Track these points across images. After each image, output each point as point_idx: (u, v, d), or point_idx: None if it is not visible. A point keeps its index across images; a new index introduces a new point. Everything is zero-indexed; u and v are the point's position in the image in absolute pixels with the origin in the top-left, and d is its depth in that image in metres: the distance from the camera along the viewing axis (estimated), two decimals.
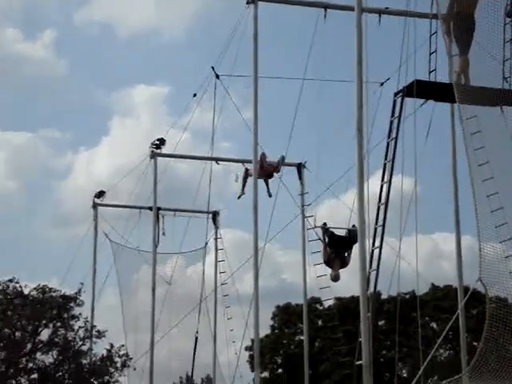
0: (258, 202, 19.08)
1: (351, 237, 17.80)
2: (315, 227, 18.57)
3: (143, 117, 70.46)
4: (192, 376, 28.32)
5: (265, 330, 42.28)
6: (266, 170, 20.76)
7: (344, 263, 18.47)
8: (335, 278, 18.68)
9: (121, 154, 61.35)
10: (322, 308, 40.24)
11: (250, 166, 20.66)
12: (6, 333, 22.39)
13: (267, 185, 21.41)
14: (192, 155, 28.57)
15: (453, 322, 15.61)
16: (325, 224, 18.65)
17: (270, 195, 21.49)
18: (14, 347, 22.11)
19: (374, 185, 14.84)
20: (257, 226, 19.08)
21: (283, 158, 21.47)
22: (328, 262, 18.66)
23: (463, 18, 14.30)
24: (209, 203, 25.76)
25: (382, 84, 19.50)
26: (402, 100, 14.82)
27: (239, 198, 21.96)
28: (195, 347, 26.46)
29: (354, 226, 17.40)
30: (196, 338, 26.29)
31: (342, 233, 18.69)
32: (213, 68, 21.84)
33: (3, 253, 57.34)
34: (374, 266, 14.33)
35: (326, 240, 18.42)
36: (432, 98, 15.45)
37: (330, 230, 18.57)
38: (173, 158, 27.77)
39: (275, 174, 21.39)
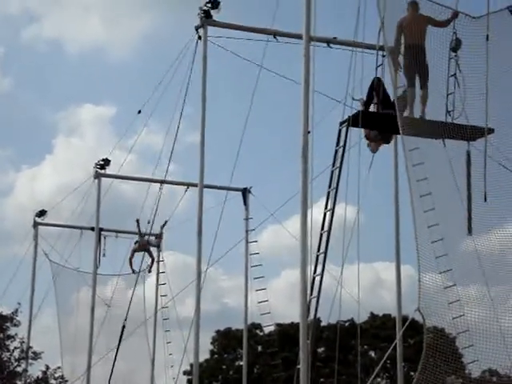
0: (202, 225, 19.06)
1: None
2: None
3: (88, 136, 69.87)
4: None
5: (204, 355, 42.11)
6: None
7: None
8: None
9: (64, 173, 60.56)
10: (262, 334, 40.20)
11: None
12: None
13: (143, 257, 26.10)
14: (137, 176, 28.45)
15: (391, 350, 15.75)
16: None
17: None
18: None
19: (317, 212, 14.94)
20: (200, 250, 19.04)
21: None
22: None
23: (413, 50, 14.52)
24: (152, 225, 25.63)
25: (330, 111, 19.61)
26: (347, 129, 14.99)
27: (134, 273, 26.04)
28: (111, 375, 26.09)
29: None
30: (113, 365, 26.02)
31: None
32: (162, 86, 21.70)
33: None
34: (315, 293, 14.37)
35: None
36: (376, 129, 15.66)
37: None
38: (117, 179, 27.60)
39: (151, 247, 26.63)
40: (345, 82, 15.11)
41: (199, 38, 19.36)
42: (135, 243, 26.34)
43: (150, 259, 27.12)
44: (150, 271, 26.62)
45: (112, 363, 26.65)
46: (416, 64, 14.53)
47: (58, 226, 30.19)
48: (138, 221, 25.46)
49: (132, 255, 26.04)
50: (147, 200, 24.95)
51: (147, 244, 26.26)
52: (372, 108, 15.59)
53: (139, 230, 25.42)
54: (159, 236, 26.40)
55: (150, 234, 25.86)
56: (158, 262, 29.09)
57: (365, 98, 15.57)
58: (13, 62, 70.23)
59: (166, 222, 26.44)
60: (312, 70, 14.27)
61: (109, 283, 29.77)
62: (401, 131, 13.95)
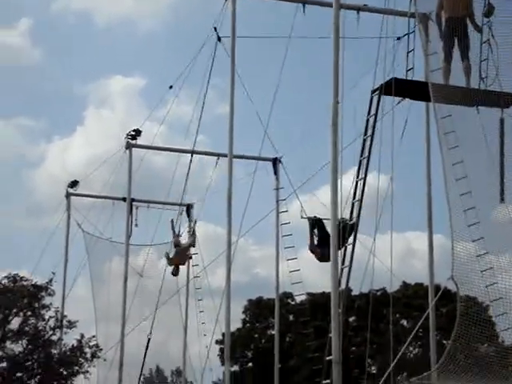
0: (232, 196, 19.09)
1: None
2: (305, 217, 18.19)
3: (119, 108, 70.20)
4: (140, 378, 28.22)
5: (236, 324, 42.39)
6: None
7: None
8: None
9: (95, 144, 61.07)
10: (293, 303, 40.33)
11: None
12: None
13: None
14: (168, 147, 28.48)
15: (423, 319, 15.72)
16: (315, 217, 18.21)
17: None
18: None
19: (348, 182, 14.90)
20: (230, 221, 19.10)
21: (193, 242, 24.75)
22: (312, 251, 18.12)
23: (453, 23, 14.31)
24: (183, 196, 25.69)
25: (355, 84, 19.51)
26: (379, 98, 14.87)
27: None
28: (146, 348, 26.24)
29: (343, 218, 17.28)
30: (148, 340, 26.08)
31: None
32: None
33: None
34: (347, 262, 14.38)
35: (315, 232, 17.87)
36: (408, 97, 15.53)
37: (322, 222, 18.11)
38: (148, 150, 27.67)
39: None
40: (376, 49, 14.98)
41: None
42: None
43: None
44: (175, 274, 24.59)
45: (145, 332, 27.00)
46: (454, 37, 14.35)
47: (90, 196, 30.40)
48: (172, 221, 24.69)
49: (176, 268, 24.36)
50: (177, 171, 25.08)
51: (185, 252, 24.95)
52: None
53: (173, 230, 24.66)
54: (193, 234, 25.46)
55: (181, 204, 25.43)
56: (189, 231, 29.21)
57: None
58: (43, 34, 70.70)
59: (195, 220, 25.93)
60: (342, 37, 14.17)
61: (141, 253, 30.03)
62: (432, 99, 13.82)
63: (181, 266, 24.84)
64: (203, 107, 20.88)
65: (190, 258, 24.46)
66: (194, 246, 25.15)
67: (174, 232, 24.43)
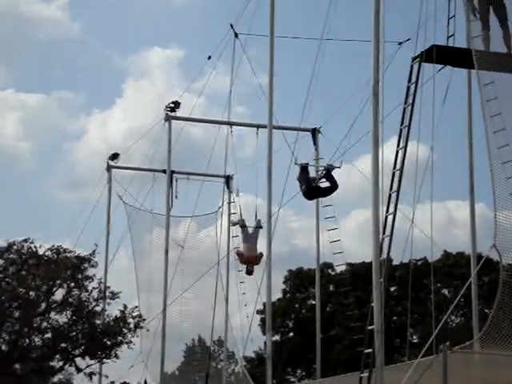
0: (272, 167, 19.09)
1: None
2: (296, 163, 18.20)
3: (157, 80, 70.32)
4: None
5: (276, 295, 42.52)
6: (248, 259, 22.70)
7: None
8: None
9: (135, 117, 61.34)
10: (333, 273, 40.35)
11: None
12: (21, 292, 22.61)
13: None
14: (207, 119, 28.53)
15: (465, 288, 15.64)
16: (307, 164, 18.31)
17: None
18: (28, 307, 22.35)
19: (388, 151, 14.81)
20: (271, 191, 19.13)
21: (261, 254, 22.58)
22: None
23: None
24: (225, 167, 25.78)
25: (400, 43, 19.32)
26: (420, 65, 14.71)
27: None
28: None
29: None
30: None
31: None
32: (231, 26, 21.68)
33: (18, 214, 57.83)
34: (387, 232, 14.34)
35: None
36: (450, 64, 15.33)
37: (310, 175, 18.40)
38: (187, 122, 27.75)
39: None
40: (416, 17, 14.78)
41: None
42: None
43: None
44: (250, 273, 23.09)
45: (186, 303, 27.24)
46: (489, 5, 14.13)
47: (131, 168, 30.66)
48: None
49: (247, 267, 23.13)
50: (216, 142, 25.13)
51: (253, 244, 23.39)
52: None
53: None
54: (258, 225, 24.40)
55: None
56: (229, 203, 29.33)
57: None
58: (81, 8, 70.82)
59: (259, 220, 23.40)
60: (382, 5, 14.01)
61: (180, 225, 30.22)
62: (476, 66, 13.63)
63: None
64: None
65: (262, 255, 22.21)
66: (261, 228, 23.25)
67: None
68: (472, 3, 14.53)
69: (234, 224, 24.12)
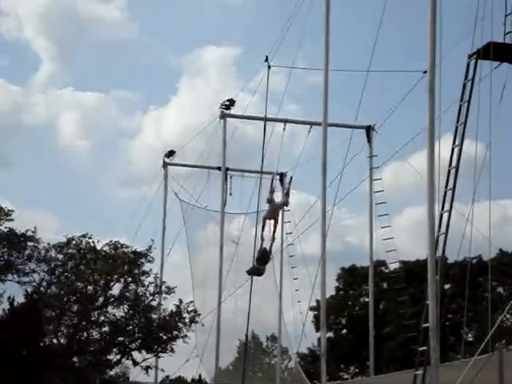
0: (326, 164, 19.15)
1: None
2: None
3: (212, 78, 70.74)
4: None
5: (329, 292, 42.50)
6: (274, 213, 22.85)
7: None
8: None
9: (189, 115, 61.91)
10: (386, 271, 40.20)
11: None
12: (79, 286, 23.06)
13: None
14: (261, 116, 28.65)
15: None
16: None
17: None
18: (86, 301, 22.77)
19: (442, 149, 14.72)
20: (325, 188, 19.19)
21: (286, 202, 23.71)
22: None
23: None
24: (278, 164, 25.82)
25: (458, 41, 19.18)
26: (476, 62, 14.64)
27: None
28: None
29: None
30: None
31: None
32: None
33: (75, 210, 58.91)
34: (443, 229, 14.30)
35: None
36: (507, 61, 15.22)
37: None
38: (241, 120, 27.92)
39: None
40: (473, 13, 14.69)
41: None
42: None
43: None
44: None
45: (240, 299, 27.39)
46: None
47: (187, 166, 30.98)
48: (272, 177, 23.93)
49: (264, 223, 23.20)
50: (271, 140, 25.20)
51: (278, 209, 23.80)
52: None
53: (271, 186, 24.21)
54: (287, 193, 24.80)
55: (276, 173, 25.34)
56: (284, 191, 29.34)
57: None
58: (138, 9, 71.62)
59: (291, 177, 24.46)
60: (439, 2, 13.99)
61: (234, 221, 30.44)
62: None
63: (275, 236, 24.81)
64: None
65: (283, 206, 23.46)
66: (286, 206, 24.38)
67: (271, 187, 23.92)
68: None
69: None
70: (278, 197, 24.57)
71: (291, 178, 24.09)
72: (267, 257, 22.53)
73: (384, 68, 21.82)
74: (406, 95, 22.42)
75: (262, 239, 22.96)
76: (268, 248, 22.63)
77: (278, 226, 27.07)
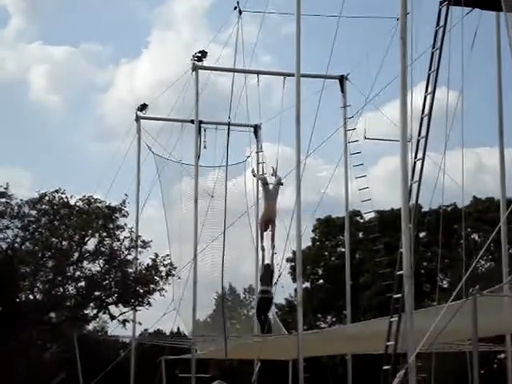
0: (300, 114, 19.05)
1: None
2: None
3: (183, 30, 69.92)
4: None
5: (306, 243, 42.70)
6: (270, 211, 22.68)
7: None
8: None
9: (161, 68, 61.21)
10: (362, 221, 40.42)
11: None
12: (54, 242, 22.98)
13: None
14: (233, 68, 28.36)
15: (495, 233, 15.64)
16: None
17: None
18: (61, 256, 22.72)
19: (415, 98, 14.65)
20: (299, 139, 19.11)
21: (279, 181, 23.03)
22: None
23: None
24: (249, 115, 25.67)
25: None
26: (448, 8, 14.52)
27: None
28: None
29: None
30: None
31: None
32: None
33: (48, 166, 58.41)
34: (416, 177, 14.30)
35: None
36: (478, 7, 15.12)
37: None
38: (215, 72, 27.62)
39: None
40: None
41: None
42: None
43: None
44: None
45: (216, 251, 27.35)
46: None
47: (160, 119, 30.69)
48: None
49: (261, 230, 22.86)
50: (243, 92, 24.99)
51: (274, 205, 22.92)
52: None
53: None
54: (278, 182, 23.18)
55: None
56: (258, 152, 29.36)
57: None
58: None
59: (280, 178, 23.05)
60: None
61: (209, 175, 30.31)
62: (504, 8, 13.44)
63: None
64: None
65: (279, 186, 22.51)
66: (282, 184, 23.30)
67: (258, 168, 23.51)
68: None
69: (259, 178, 24.07)
70: (268, 176, 23.67)
71: (280, 178, 22.91)
72: (271, 274, 22.05)
73: (355, 15, 21.56)
74: (378, 43, 22.23)
75: (263, 249, 22.58)
76: (270, 262, 22.14)
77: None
